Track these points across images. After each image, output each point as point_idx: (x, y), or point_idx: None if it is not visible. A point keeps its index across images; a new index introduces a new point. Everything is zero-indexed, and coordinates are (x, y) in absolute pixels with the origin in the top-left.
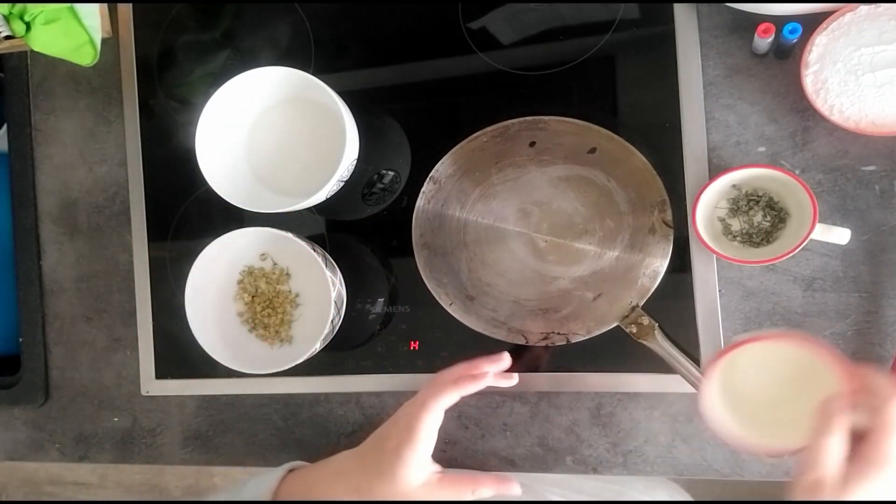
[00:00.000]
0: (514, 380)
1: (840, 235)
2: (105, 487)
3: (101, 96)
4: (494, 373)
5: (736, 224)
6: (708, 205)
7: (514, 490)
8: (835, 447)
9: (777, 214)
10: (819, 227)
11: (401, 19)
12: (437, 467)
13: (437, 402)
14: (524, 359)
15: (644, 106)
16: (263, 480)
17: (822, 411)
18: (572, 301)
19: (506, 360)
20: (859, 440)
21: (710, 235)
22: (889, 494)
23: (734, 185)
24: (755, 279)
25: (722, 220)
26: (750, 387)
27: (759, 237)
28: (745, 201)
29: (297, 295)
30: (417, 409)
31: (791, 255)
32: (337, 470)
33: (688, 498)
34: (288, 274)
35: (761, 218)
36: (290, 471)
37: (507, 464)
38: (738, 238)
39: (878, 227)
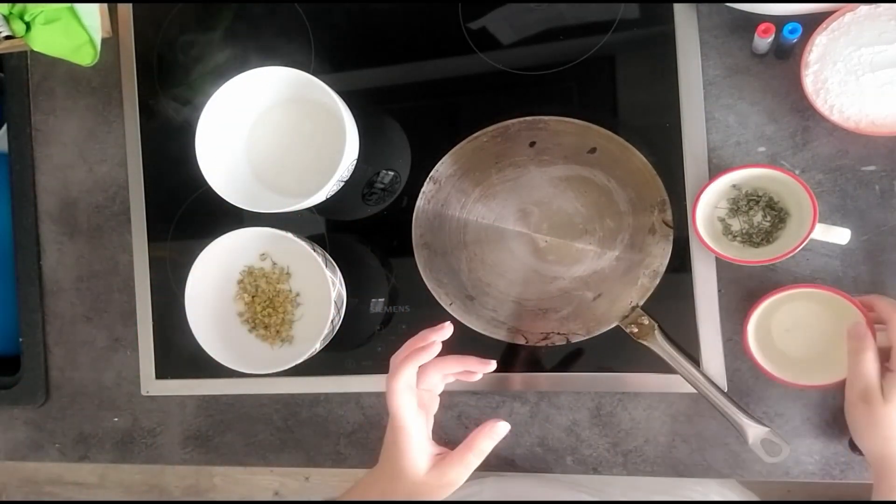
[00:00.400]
0: (491, 365)
1: (840, 235)
2: (105, 487)
3: (101, 96)
4: (478, 365)
5: (736, 224)
6: (708, 205)
7: (503, 428)
8: (872, 359)
9: (777, 214)
10: (819, 226)
11: (401, 19)
12: (438, 449)
13: (397, 382)
14: (523, 359)
15: (644, 106)
16: None
17: (852, 335)
18: (572, 301)
19: (447, 328)
20: (885, 359)
21: (710, 235)
22: None
23: (734, 185)
24: (755, 279)
25: (722, 220)
26: (782, 337)
27: (759, 237)
28: (745, 201)
29: (297, 294)
30: (388, 399)
31: (791, 255)
32: (365, 488)
33: (754, 499)
34: (288, 273)
35: (761, 218)
36: None
37: (507, 464)
38: (738, 238)
39: (878, 227)
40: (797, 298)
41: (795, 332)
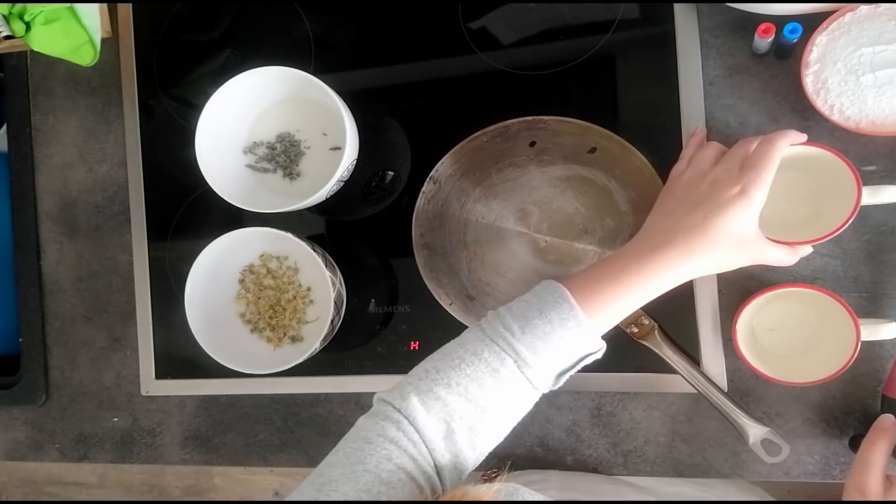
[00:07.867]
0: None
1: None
2: (105, 487)
3: (101, 96)
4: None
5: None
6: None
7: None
8: (884, 453)
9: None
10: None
11: (401, 19)
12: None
13: (783, 143)
14: None
15: (644, 106)
16: (544, 293)
17: (878, 424)
18: None
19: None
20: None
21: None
22: None
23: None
24: (755, 279)
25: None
26: (766, 337)
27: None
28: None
29: (308, 289)
30: (766, 150)
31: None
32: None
33: (769, 498)
34: (296, 268)
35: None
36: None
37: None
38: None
39: (878, 227)
40: (777, 299)
41: (780, 332)
